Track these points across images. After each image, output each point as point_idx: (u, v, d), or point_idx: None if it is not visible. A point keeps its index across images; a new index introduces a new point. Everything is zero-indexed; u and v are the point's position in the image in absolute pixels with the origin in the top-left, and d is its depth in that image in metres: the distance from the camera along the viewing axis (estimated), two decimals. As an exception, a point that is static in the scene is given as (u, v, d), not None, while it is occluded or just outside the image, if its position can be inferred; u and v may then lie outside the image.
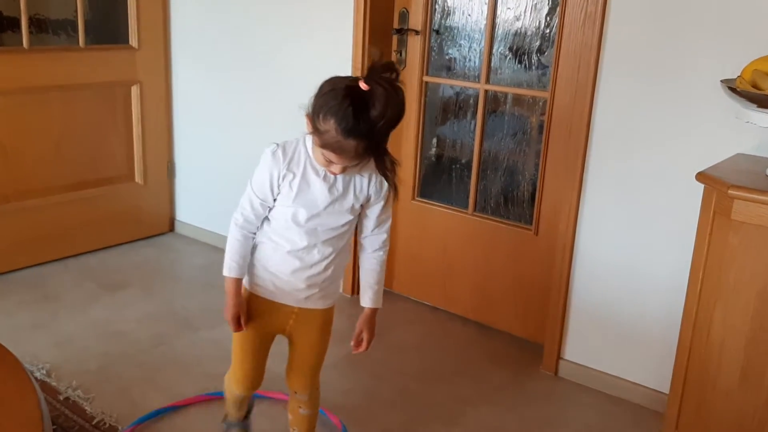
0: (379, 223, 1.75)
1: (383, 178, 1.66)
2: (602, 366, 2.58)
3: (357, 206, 1.69)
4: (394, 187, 1.66)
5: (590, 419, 2.43)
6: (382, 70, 1.49)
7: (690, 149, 2.25)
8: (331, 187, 1.65)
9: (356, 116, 1.47)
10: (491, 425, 2.37)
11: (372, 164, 1.61)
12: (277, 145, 1.65)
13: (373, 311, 1.82)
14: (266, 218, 1.72)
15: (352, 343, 1.84)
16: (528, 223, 2.85)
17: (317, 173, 1.64)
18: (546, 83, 2.73)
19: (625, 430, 2.37)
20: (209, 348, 2.72)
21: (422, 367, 2.70)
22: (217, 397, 2.28)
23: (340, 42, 3.01)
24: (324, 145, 1.54)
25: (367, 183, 1.68)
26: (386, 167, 1.59)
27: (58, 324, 2.85)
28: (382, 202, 1.72)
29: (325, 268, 1.73)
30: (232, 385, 1.92)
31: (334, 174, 1.62)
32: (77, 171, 3.46)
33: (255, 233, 1.73)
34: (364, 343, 1.83)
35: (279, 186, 1.65)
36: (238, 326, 1.77)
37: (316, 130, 1.54)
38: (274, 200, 1.68)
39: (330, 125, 1.50)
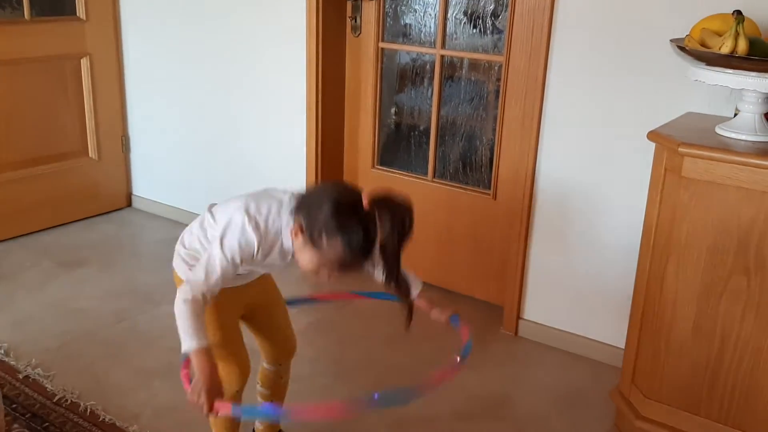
0: None
1: None
2: (561, 324, 2.64)
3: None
4: (408, 310, 1.59)
5: (550, 376, 2.49)
6: (392, 203, 1.44)
7: (642, 109, 2.28)
8: (288, 260, 1.62)
9: (366, 239, 1.42)
10: (454, 385, 2.40)
11: None
12: (249, 217, 1.53)
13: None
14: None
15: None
16: (487, 188, 2.88)
17: (284, 257, 1.58)
18: (501, 48, 2.73)
19: (584, 386, 2.44)
20: (172, 322, 2.66)
21: (386, 332, 2.72)
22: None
23: (294, 8, 2.96)
24: (324, 262, 1.48)
25: None
26: (395, 286, 1.54)
27: (15, 304, 2.80)
28: None
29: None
30: (228, 385, 1.73)
31: (321, 279, 1.54)
32: (29, 147, 3.38)
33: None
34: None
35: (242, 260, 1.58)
36: (212, 408, 1.52)
37: (314, 245, 1.47)
38: None
39: (336, 245, 1.43)
